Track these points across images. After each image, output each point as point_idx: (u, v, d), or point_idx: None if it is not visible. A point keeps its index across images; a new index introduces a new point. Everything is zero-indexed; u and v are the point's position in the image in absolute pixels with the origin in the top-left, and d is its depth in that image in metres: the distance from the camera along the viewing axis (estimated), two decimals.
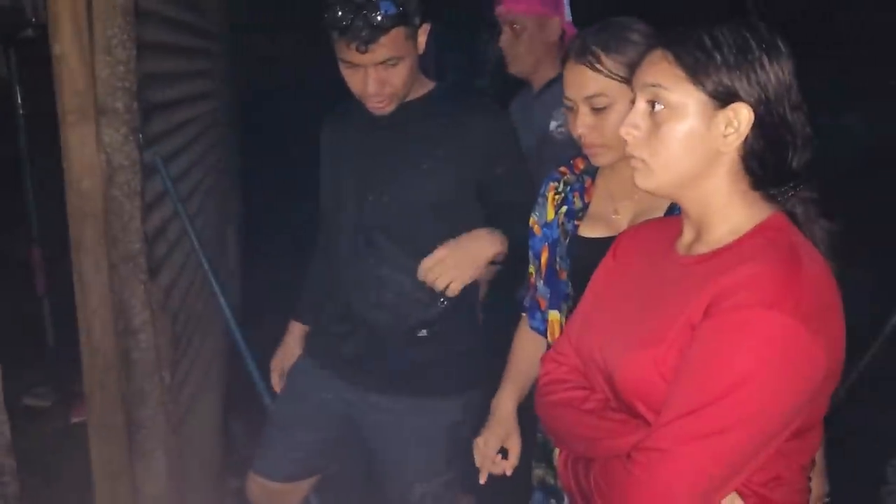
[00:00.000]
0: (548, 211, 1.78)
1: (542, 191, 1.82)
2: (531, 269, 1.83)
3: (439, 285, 1.81)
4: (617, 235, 1.58)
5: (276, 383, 2.25)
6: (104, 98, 1.92)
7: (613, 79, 1.57)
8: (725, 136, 1.17)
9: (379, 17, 1.73)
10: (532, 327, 1.83)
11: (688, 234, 1.27)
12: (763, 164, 1.18)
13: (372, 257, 1.92)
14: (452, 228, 1.87)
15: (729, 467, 1.12)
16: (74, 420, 3.31)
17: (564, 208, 1.74)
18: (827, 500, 1.68)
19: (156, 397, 2.11)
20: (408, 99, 1.92)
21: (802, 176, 1.20)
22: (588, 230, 1.69)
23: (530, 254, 1.82)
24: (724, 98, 1.16)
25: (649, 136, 1.20)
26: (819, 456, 1.61)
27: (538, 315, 1.81)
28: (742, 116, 1.16)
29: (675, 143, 1.18)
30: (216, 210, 3.40)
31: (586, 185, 1.74)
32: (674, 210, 1.58)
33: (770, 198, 1.22)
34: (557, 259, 1.73)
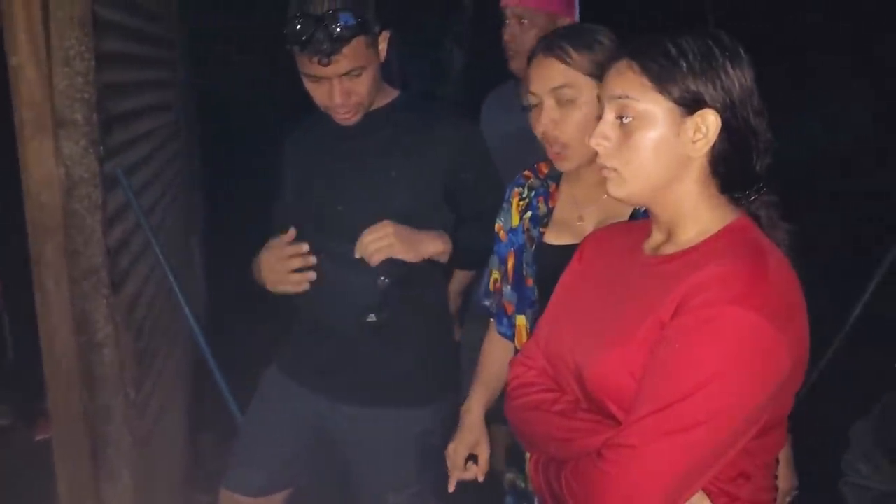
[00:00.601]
0: (513, 216, 1.78)
1: (506, 196, 1.82)
2: (496, 274, 1.83)
3: (368, 250, 1.80)
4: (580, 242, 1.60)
5: None
6: (62, 110, 1.89)
7: (580, 72, 1.58)
8: (695, 142, 1.19)
9: (339, 29, 1.73)
10: (500, 332, 1.83)
11: (656, 237, 1.28)
12: (730, 168, 1.20)
13: (341, 267, 1.91)
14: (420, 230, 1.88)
15: (698, 464, 1.13)
16: (38, 438, 3.25)
17: (529, 214, 1.74)
18: (795, 492, 1.70)
19: (121, 413, 2.08)
20: (372, 108, 1.92)
21: (764, 180, 1.22)
22: (554, 237, 1.70)
23: (495, 259, 1.82)
24: (690, 105, 1.18)
25: (620, 145, 1.21)
26: (786, 450, 1.63)
27: (505, 320, 1.81)
28: (710, 122, 1.18)
29: (646, 152, 1.20)
30: (180, 220, 3.36)
31: (551, 189, 1.74)
32: (637, 215, 1.60)
33: (735, 201, 1.24)
34: (524, 265, 1.73)
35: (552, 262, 1.63)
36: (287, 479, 2.11)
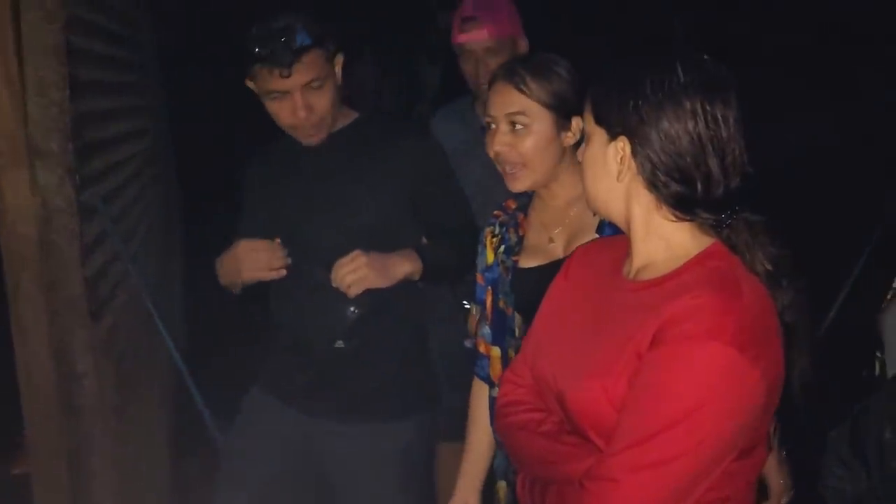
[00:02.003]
0: (487, 255, 1.81)
1: (480, 238, 1.84)
2: (474, 310, 1.85)
3: (344, 282, 1.82)
4: (555, 261, 1.64)
5: None
6: (38, 139, 1.88)
7: (535, 101, 1.64)
8: (619, 165, 1.23)
9: (297, 41, 1.78)
10: (481, 377, 1.83)
11: (633, 258, 1.29)
12: (673, 196, 1.20)
13: (316, 288, 1.91)
14: (387, 251, 1.89)
15: (678, 493, 1.15)
16: (16, 472, 3.20)
17: (502, 247, 1.78)
18: (792, 492, 1.70)
19: (102, 444, 2.06)
20: (334, 130, 1.94)
21: (735, 203, 1.22)
22: (527, 262, 1.73)
23: (473, 306, 1.84)
24: (613, 133, 1.22)
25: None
26: (774, 454, 1.64)
27: (484, 363, 1.82)
28: (624, 151, 1.21)
29: (586, 167, 1.29)
30: (159, 247, 3.34)
31: (519, 220, 1.79)
32: (604, 229, 1.64)
33: (711, 226, 1.23)
34: (501, 297, 1.74)
35: (529, 285, 1.67)
36: (272, 500, 2.10)
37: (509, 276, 1.73)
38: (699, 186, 1.18)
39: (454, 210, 1.99)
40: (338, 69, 1.91)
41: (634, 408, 1.15)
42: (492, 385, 1.77)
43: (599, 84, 1.26)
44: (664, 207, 1.22)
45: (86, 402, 2.02)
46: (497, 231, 1.81)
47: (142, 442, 2.50)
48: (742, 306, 1.14)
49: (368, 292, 1.84)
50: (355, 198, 1.93)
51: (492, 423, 1.74)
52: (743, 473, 1.21)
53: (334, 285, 1.83)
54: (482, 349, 1.80)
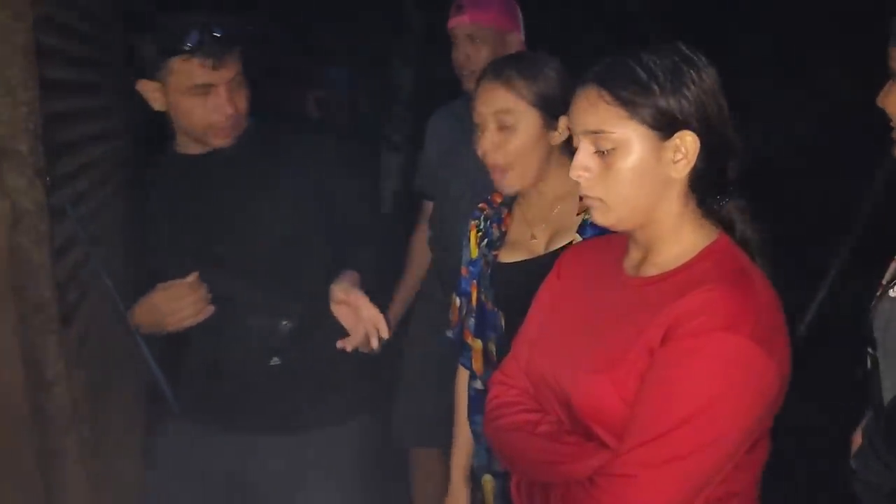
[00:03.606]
0: (472, 249, 1.80)
1: (465, 231, 1.84)
2: (457, 301, 1.84)
3: (380, 327, 1.75)
4: (536, 257, 1.65)
5: None
6: (6, 141, 1.83)
7: (522, 100, 1.64)
8: (676, 163, 1.20)
9: (226, 34, 1.75)
10: (466, 367, 1.83)
11: (635, 255, 1.29)
12: (708, 182, 1.21)
13: (235, 308, 1.86)
14: (308, 258, 1.85)
15: (694, 488, 1.15)
16: None
17: (485, 241, 1.79)
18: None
19: (74, 454, 2.01)
20: (232, 143, 1.88)
21: (736, 185, 1.23)
22: (507, 256, 1.73)
23: (459, 299, 1.83)
24: (665, 127, 1.18)
25: (602, 174, 1.21)
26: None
27: (469, 353, 1.81)
28: (688, 143, 1.19)
29: (628, 179, 1.20)
30: (130, 250, 3.27)
31: (503, 215, 1.79)
32: (585, 228, 1.63)
33: (712, 212, 1.24)
34: (482, 290, 1.74)
35: (510, 280, 1.69)
36: None
37: (489, 270, 1.72)
38: (728, 168, 1.22)
39: (365, 211, 1.95)
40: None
41: (649, 403, 1.14)
42: (473, 376, 1.77)
43: (628, 83, 1.19)
44: (691, 200, 1.22)
45: (56, 411, 1.97)
46: (482, 226, 1.81)
47: (114, 451, 2.45)
48: (755, 299, 1.14)
49: (293, 302, 1.79)
50: (265, 212, 1.86)
51: (471, 417, 1.74)
52: (749, 467, 1.22)
53: (373, 338, 1.73)
54: (468, 340, 1.79)
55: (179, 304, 1.81)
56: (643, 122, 1.17)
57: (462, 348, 1.82)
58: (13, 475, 1.95)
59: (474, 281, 1.78)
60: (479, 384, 1.78)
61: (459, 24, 2.45)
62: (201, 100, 1.78)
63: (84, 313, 2.23)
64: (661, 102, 1.16)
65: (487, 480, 1.80)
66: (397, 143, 7.37)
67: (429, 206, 2.71)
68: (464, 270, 1.83)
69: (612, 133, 1.18)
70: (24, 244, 1.88)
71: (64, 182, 2.13)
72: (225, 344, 1.90)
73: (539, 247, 1.70)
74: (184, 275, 1.85)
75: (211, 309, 1.83)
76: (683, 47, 1.21)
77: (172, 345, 2.00)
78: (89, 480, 2.07)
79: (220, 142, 1.84)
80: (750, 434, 1.15)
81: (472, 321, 1.78)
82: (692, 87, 1.17)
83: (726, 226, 1.26)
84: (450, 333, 1.88)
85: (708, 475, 1.14)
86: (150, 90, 1.83)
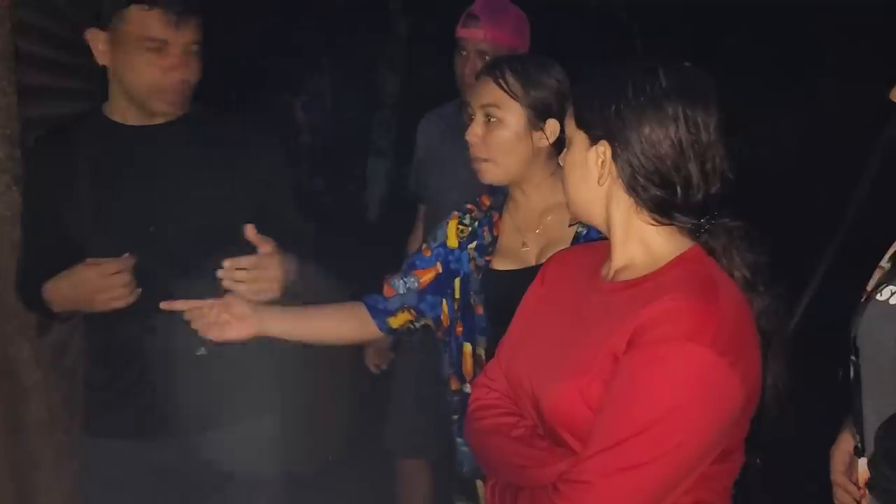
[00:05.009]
0: (448, 236, 1.79)
1: (445, 218, 1.83)
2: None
3: (241, 288, 1.64)
4: (527, 268, 1.66)
5: None
6: None
7: (510, 95, 1.66)
8: (600, 169, 1.23)
9: None
10: (367, 303, 1.77)
11: (613, 261, 1.29)
12: (652, 200, 1.20)
13: (154, 283, 1.72)
14: (236, 248, 1.70)
15: (652, 497, 1.14)
16: None
17: (474, 243, 1.78)
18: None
19: (51, 461, 2.00)
20: (160, 121, 1.78)
21: (714, 208, 1.22)
22: (500, 264, 1.74)
23: (410, 275, 1.78)
24: (594, 136, 1.23)
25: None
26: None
27: (382, 301, 1.78)
28: (605, 154, 1.21)
29: (567, 171, 1.29)
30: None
31: (494, 219, 1.79)
32: (579, 238, 1.65)
33: (690, 230, 1.24)
34: (472, 294, 1.74)
35: (500, 288, 1.69)
36: None
37: (480, 276, 1.73)
38: (679, 191, 1.19)
39: (293, 210, 1.90)
40: None
41: (610, 410, 1.15)
42: (462, 380, 1.77)
43: (581, 88, 1.27)
44: (643, 211, 1.22)
45: (33, 418, 1.96)
46: (467, 222, 1.81)
47: None
48: (720, 310, 1.14)
49: (228, 293, 1.66)
50: (204, 197, 1.77)
51: (458, 421, 1.74)
52: (720, 478, 1.21)
53: (224, 277, 1.62)
54: (446, 324, 1.79)
55: (111, 281, 1.66)
56: (581, 127, 1.24)
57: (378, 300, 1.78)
58: None
59: (458, 279, 1.76)
60: (467, 388, 1.78)
61: (473, 37, 2.33)
62: (153, 57, 1.67)
63: (62, 321, 2.21)
64: (597, 116, 1.21)
65: (479, 486, 1.80)
66: (383, 149, 7.38)
67: (424, 208, 2.70)
68: (426, 251, 1.80)
69: (566, 129, 1.30)
70: (0, 250, 1.86)
71: None
72: (150, 329, 1.75)
73: (530, 255, 1.72)
74: (111, 251, 1.69)
75: (139, 291, 1.68)
76: (673, 75, 1.20)
77: (96, 332, 1.84)
78: (64, 486, 2.06)
79: (163, 108, 1.72)
80: (713, 445, 1.15)
81: (455, 315, 1.78)
82: (637, 113, 1.18)
83: (710, 253, 1.25)
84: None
85: (666, 485, 1.14)
86: (99, 41, 1.71)
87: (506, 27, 2.36)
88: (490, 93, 1.69)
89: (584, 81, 1.27)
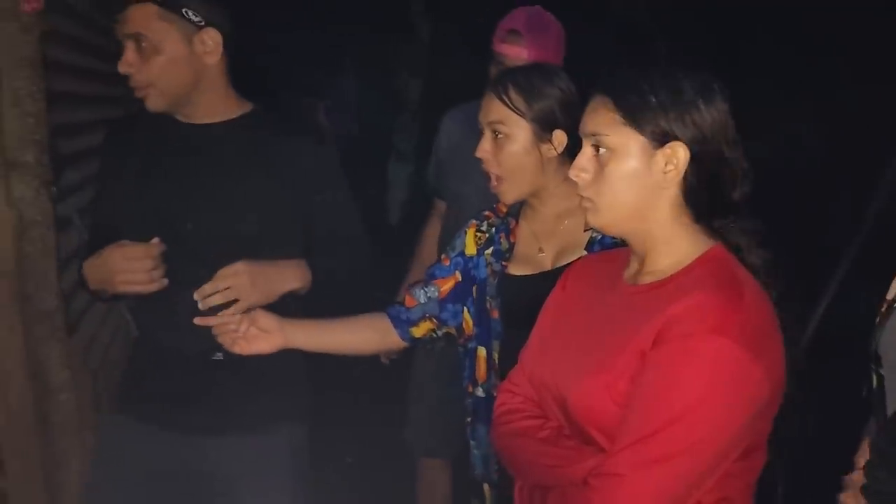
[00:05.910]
0: (466, 244, 1.81)
1: (464, 226, 1.85)
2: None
3: (224, 296, 1.68)
4: (543, 272, 1.67)
5: None
6: (14, 152, 1.86)
7: (514, 112, 1.67)
8: (665, 173, 1.22)
9: None
10: (389, 313, 1.78)
11: (634, 265, 1.32)
12: (702, 198, 1.24)
13: (189, 291, 1.73)
14: (269, 258, 1.76)
15: (683, 489, 1.16)
16: None
17: (491, 249, 1.79)
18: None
19: (79, 460, 2.03)
20: (218, 120, 1.80)
21: (741, 208, 1.25)
22: (516, 269, 1.75)
23: (431, 285, 1.80)
24: (660, 139, 1.22)
25: (596, 177, 1.25)
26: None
27: (404, 312, 1.79)
28: (679, 154, 1.21)
29: (618, 183, 1.24)
30: None
31: (511, 226, 1.80)
32: (594, 244, 1.67)
33: (713, 230, 1.26)
34: (488, 298, 1.76)
35: (516, 293, 1.70)
36: None
37: (496, 280, 1.75)
38: (725, 190, 1.23)
39: (347, 219, 1.89)
40: (202, 49, 1.73)
41: (639, 404, 1.17)
42: (475, 384, 1.78)
43: (630, 93, 1.23)
44: (686, 213, 1.24)
45: (62, 418, 2.00)
46: (484, 228, 1.83)
47: None
48: (744, 305, 1.16)
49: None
50: (240, 200, 1.78)
51: (471, 425, 1.75)
52: (743, 475, 1.23)
53: (200, 300, 1.67)
54: (467, 329, 1.80)
55: (132, 264, 1.68)
56: (639, 130, 1.21)
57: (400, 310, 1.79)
58: (19, 479, 1.97)
59: (475, 285, 1.78)
60: (480, 392, 1.79)
61: (515, 55, 2.28)
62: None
63: (90, 321, 2.26)
64: (659, 115, 1.20)
65: (486, 490, 1.81)
66: (405, 153, 7.39)
67: (442, 204, 2.71)
68: (445, 259, 1.81)
69: (608, 136, 1.22)
70: (31, 253, 1.91)
71: (70, 192, 2.16)
72: (174, 326, 1.76)
73: (546, 261, 1.73)
74: (144, 239, 1.72)
75: (164, 283, 1.70)
76: (696, 73, 1.24)
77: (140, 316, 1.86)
78: None
79: (144, 100, 1.73)
80: (740, 437, 1.17)
81: (473, 320, 1.79)
82: (691, 108, 1.20)
83: (731, 250, 1.27)
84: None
85: (696, 476, 1.16)
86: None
87: (549, 46, 2.33)
88: (495, 110, 1.69)
89: (626, 86, 1.24)
